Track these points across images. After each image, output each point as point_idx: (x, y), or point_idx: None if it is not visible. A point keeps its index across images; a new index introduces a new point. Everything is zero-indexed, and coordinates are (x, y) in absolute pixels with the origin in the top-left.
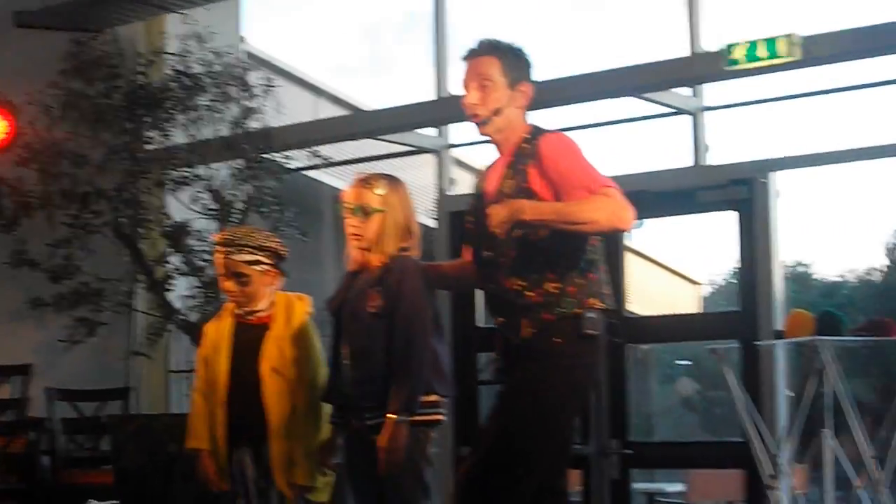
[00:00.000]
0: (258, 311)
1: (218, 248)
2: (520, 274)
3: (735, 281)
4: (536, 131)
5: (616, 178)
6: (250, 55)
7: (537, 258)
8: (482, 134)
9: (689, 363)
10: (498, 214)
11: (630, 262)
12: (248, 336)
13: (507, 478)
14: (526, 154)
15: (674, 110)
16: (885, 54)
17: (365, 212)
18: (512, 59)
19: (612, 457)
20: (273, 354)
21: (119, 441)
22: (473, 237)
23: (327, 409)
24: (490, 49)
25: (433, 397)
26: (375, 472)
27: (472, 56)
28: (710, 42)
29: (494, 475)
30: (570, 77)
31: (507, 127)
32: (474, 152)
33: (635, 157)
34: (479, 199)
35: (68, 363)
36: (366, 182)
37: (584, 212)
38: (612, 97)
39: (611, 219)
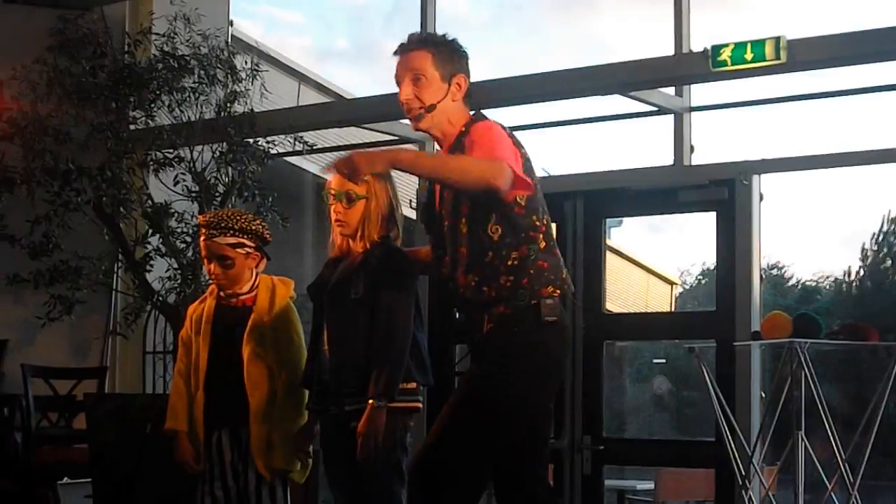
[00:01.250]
0: (241, 294)
1: (202, 229)
2: (474, 270)
3: (708, 281)
4: (472, 121)
5: (598, 175)
6: (235, 39)
7: (488, 252)
8: (417, 129)
9: (663, 361)
10: (370, 159)
11: (608, 259)
12: (230, 319)
13: (457, 465)
14: (461, 146)
15: (657, 109)
16: (872, 61)
17: (349, 198)
18: (445, 52)
19: (584, 452)
20: (255, 337)
21: (94, 419)
22: (428, 231)
23: (307, 394)
24: (422, 43)
25: (412, 385)
26: (352, 458)
27: (403, 51)
28: (697, 43)
29: (444, 460)
30: (557, 72)
31: (444, 121)
32: None
33: (618, 154)
34: (430, 196)
35: (44, 340)
36: None
37: (460, 162)
38: (597, 94)
39: (484, 172)
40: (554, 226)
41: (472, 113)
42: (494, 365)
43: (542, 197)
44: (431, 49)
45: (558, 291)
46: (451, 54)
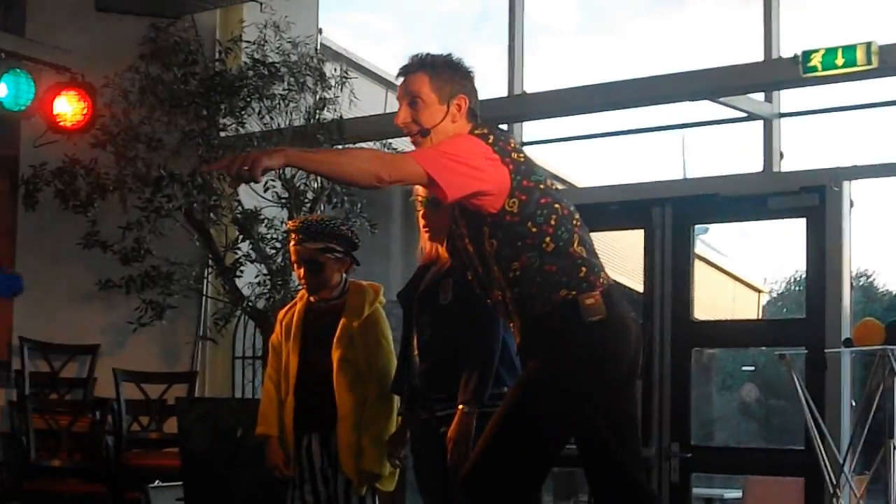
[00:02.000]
0: (330, 299)
1: (291, 235)
2: (491, 286)
3: (797, 288)
4: None
5: (687, 182)
6: (324, 46)
7: (492, 268)
8: None
9: (752, 369)
10: (257, 156)
11: (698, 267)
12: (320, 324)
13: (502, 477)
14: None
15: (746, 115)
16: None
17: (436, 204)
18: (445, 74)
19: (672, 460)
20: (344, 342)
21: (185, 423)
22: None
23: (398, 399)
24: (420, 66)
25: (504, 389)
26: (443, 464)
27: (403, 73)
28: (787, 48)
29: (491, 470)
30: (645, 78)
31: None
32: (547, 151)
33: (707, 161)
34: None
35: (135, 345)
36: None
37: (340, 157)
38: (687, 100)
39: (365, 165)
40: (641, 232)
41: (474, 131)
42: (532, 372)
43: (552, 200)
44: (429, 72)
45: (573, 293)
46: (451, 75)
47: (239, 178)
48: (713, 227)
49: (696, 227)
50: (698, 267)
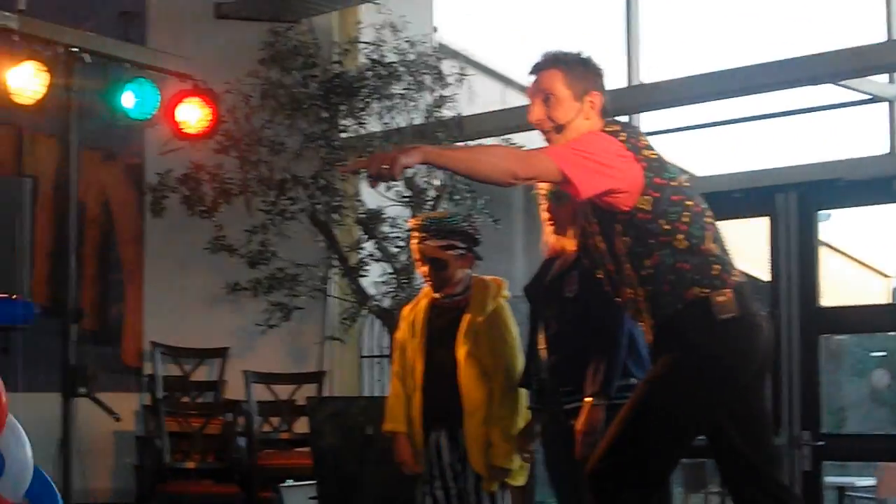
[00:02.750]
0: (454, 295)
1: (413, 233)
2: (623, 284)
3: None
4: None
5: (811, 167)
6: (442, 46)
7: (624, 266)
8: None
9: (884, 354)
10: (394, 155)
11: (822, 254)
12: (444, 320)
13: (631, 470)
14: None
15: (870, 97)
16: None
17: (558, 197)
18: (578, 70)
19: (803, 448)
20: (469, 338)
21: (316, 423)
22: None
23: (525, 394)
24: (553, 62)
25: (631, 381)
26: (573, 456)
27: (535, 70)
28: None
29: (620, 463)
30: (765, 64)
31: None
32: (666, 141)
33: (831, 145)
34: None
35: (264, 347)
36: None
37: (475, 154)
38: (808, 84)
39: (500, 163)
40: (766, 220)
41: (605, 127)
42: (663, 368)
43: (684, 197)
44: (563, 68)
45: (706, 291)
46: (584, 72)
47: (379, 177)
48: (838, 214)
49: (819, 213)
50: (825, 254)
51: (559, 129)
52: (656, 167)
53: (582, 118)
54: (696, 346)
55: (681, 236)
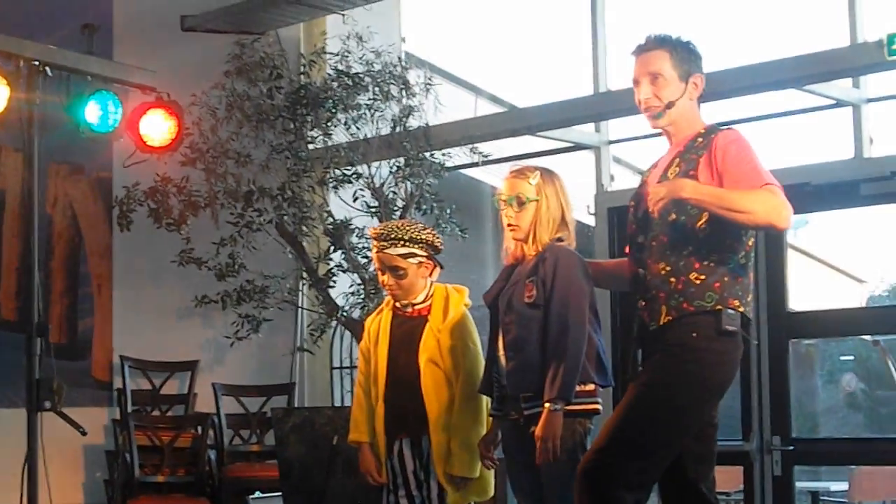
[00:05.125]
0: (416, 304)
1: (373, 242)
2: (668, 259)
3: None
4: (713, 128)
5: (777, 172)
6: (409, 56)
7: (688, 246)
8: (655, 127)
9: (852, 358)
10: (657, 192)
11: (792, 259)
12: (406, 328)
13: (623, 469)
14: (699, 146)
15: (835, 102)
16: None
17: (520, 202)
18: (682, 52)
19: (773, 453)
20: (431, 346)
21: (282, 433)
22: (632, 221)
23: (487, 401)
24: (660, 43)
25: (590, 387)
26: (534, 462)
27: (641, 51)
28: (872, 33)
29: (612, 462)
30: (730, 69)
31: (680, 119)
32: (632, 149)
33: (796, 150)
34: (642, 186)
35: (233, 359)
36: (520, 173)
37: (744, 200)
38: (772, 89)
39: (770, 213)
40: None
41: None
42: (663, 368)
43: None
44: (669, 49)
45: (742, 308)
46: (687, 54)
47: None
48: (811, 219)
49: (794, 220)
50: (801, 261)
51: (669, 106)
52: None
53: (686, 98)
54: (702, 351)
55: (743, 252)
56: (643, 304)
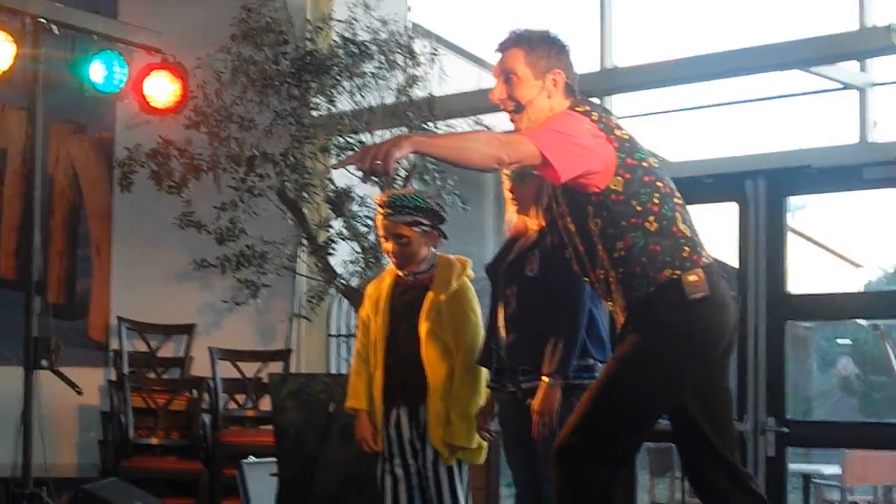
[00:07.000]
0: (418, 273)
1: (378, 209)
2: (595, 265)
3: None
4: None
5: (780, 154)
6: (415, 26)
7: (596, 247)
8: (517, 129)
9: (850, 342)
10: (379, 147)
11: (791, 242)
12: (408, 297)
13: (593, 443)
14: None
15: (841, 85)
16: None
17: (522, 176)
18: (540, 49)
19: (767, 434)
20: (431, 316)
21: (278, 399)
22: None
23: (486, 372)
24: (515, 41)
25: (589, 361)
26: (530, 436)
27: (499, 49)
28: (879, 16)
29: (583, 440)
30: (738, 50)
31: (541, 117)
32: (638, 125)
33: (801, 133)
34: (549, 200)
35: (231, 324)
36: None
37: (461, 142)
38: (778, 70)
39: (485, 149)
40: (735, 205)
41: (576, 107)
42: (633, 346)
43: (655, 178)
44: (524, 47)
45: (679, 271)
46: (546, 50)
47: (373, 173)
48: (812, 203)
49: (791, 203)
50: (800, 243)
51: (519, 108)
52: (628, 147)
53: (544, 97)
54: (667, 324)
55: (652, 218)
56: (610, 304)
